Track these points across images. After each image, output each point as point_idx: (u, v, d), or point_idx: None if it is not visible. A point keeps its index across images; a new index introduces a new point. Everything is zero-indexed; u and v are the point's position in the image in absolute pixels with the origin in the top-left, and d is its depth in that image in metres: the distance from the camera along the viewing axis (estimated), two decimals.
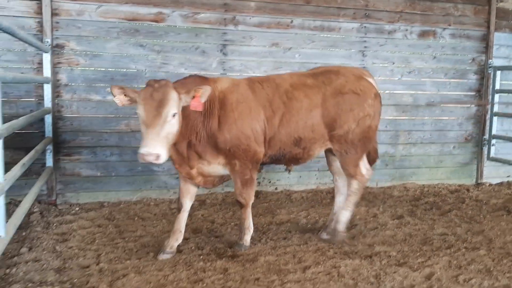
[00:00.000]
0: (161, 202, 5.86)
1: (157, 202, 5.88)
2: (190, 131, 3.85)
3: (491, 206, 6.02)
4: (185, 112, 3.71)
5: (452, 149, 7.22)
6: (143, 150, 3.32)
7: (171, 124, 3.48)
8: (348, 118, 4.29)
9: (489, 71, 7.09)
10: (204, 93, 3.61)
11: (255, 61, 6.24)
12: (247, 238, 4.31)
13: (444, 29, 6.97)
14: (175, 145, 3.75)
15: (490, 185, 7.23)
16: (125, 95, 3.59)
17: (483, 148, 7.28)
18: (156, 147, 3.34)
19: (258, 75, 6.12)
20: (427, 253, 4.26)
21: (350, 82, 4.37)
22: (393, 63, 6.78)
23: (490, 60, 7.10)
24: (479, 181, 7.30)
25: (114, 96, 3.61)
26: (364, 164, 4.55)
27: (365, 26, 6.62)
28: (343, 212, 4.54)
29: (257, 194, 6.26)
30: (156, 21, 5.82)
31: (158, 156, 3.33)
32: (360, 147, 4.38)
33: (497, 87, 7.09)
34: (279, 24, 6.29)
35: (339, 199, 4.74)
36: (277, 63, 6.32)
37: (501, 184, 7.31)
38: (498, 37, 7.19)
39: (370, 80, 4.55)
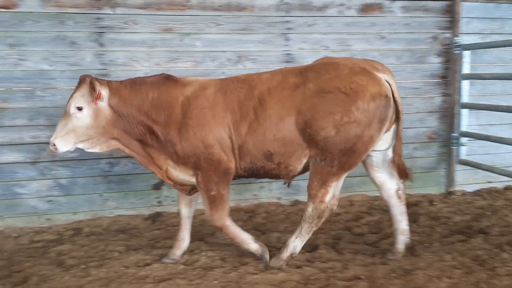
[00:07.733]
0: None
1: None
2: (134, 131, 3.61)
3: (450, 227, 4.61)
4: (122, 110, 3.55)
5: (412, 150, 5.79)
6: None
7: (77, 118, 3.47)
8: (327, 123, 3.37)
9: (456, 52, 5.61)
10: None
11: (143, 51, 4.99)
12: (259, 253, 3.82)
13: (394, 0, 5.53)
14: (127, 145, 3.66)
15: (464, 194, 5.76)
16: None
17: (452, 148, 5.81)
18: (55, 139, 3.46)
19: (149, 68, 4.92)
20: None
21: (338, 78, 3.42)
22: (327, 47, 5.38)
23: (457, 38, 5.62)
24: (449, 190, 5.85)
25: None
26: (334, 191, 3.56)
27: (286, 3, 5.25)
28: (292, 239, 3.73)
29: (157, 216, 5.09)
30: (6, 8, 4.64)
31: (55, 147, 3.46)
32: (338, 160, 3.44)
33: (466, 71, 5.61)
34: (171, 4, 5.01)
35: (394, 212, 3.91)
36: (173, 52, 5.06)
37: (478, 192, 5.84)
38: (467, 8, 5.70)
39: (381, 75, 3.49)
